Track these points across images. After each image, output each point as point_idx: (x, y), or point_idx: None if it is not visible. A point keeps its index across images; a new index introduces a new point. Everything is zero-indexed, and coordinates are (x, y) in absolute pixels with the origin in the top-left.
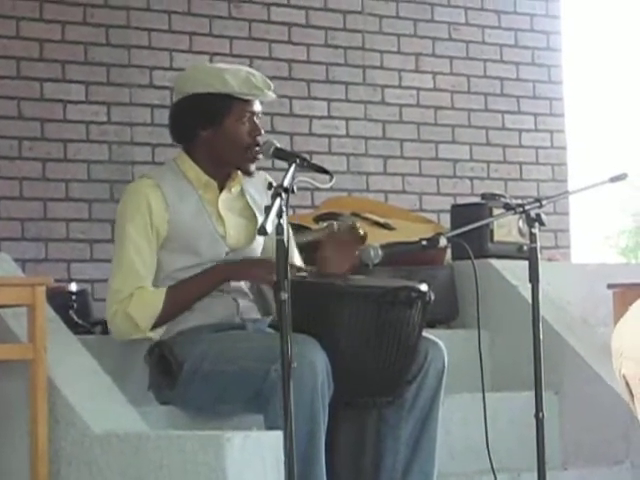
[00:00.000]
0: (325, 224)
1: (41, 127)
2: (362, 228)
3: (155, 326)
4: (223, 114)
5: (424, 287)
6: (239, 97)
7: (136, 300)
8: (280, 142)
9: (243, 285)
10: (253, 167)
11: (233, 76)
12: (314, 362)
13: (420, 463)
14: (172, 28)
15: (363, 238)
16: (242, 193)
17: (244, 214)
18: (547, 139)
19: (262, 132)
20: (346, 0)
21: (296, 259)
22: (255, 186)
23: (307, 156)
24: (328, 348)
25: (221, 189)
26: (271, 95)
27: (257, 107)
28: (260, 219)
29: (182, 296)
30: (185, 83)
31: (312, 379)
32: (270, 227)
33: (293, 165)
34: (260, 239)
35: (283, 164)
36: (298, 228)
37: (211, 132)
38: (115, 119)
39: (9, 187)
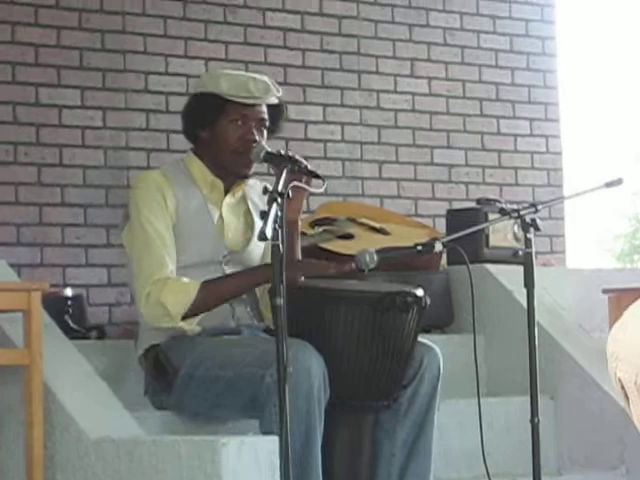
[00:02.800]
0: (321, 229)
1: (36, 132)
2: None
3: (186, 316)
4: (216, 116)
5: (420, 292)
6: (231, 100)
7: (170, 287)
8: (275, 147)
9: None
10: (247, 171)
11: (228, 79)
12: (310, 367)
13: (416, 468)
14: (167, 33)
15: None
16: (244, 198)
17: (244, 219)
18: (542, 144)
19: (254, 137)
20: (341, 5)
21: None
22: (258, 193)
23: (298, 158)
24: (324, 352)
25: (226, 191)
26: (267, 100)
27: (256, 113)
28: (258, 224)
29: (216, 289)
30: (194, 85)
31: (308, 384)
32: (270, 232)
33: (285, 170)
34: (261, 244)
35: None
36: None
37: (208, 133)
38: (110, 124)
39: (4, 192)
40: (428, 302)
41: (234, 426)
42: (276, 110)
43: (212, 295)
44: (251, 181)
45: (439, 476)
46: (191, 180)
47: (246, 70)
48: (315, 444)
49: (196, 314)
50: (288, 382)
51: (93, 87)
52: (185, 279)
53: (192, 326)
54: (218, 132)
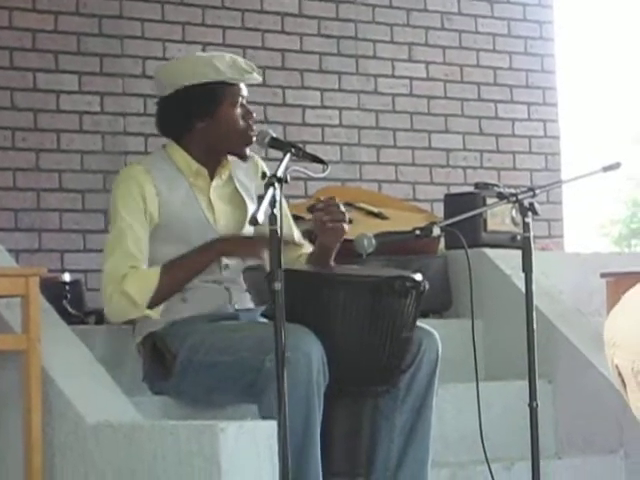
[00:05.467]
0: None
1: (34, 117)
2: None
3: (152, 304)
4: (218, 102)
5: (419, 277)
6: (230, 82)
7: (131, 277)
8: (273, 132)
9: (235, 275)
10: (248, 151)
11: (220, 62)
12: (309, 352)
13: (414, 452)
14: (165, 18)
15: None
16: (230, 179)
17: (233, 200)
18: (540, 128)
19: (254, 115)
20: None
21: (296, 236)
22: (245, 170)
23: (301, 146)
24: (322, 338)
25: (212, 177)
26: (257, 77)
27: (244, 90)
28: (249, 204)
29: (178, 271)
30: (175, 76)
31: (307, 369)
32: (262, 217)
33: (288, 155)
34: (251, 227)
35: (276, 154)
36: (291, 218)
37: (208, 122)
38: (108, 109)
39: (2, 178)
40: (427, 287)
41: (233, 411)
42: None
43: (174, 277)
44: (232, 158)
45: (437, 460)
46: (175, 170)
47: (244, 56)
48: (314, 429)
49: (163, 299)
50: (287, 367)
51: (91, 72)
52: (144, 267)
53: (158, 314)
54: (222, 118)
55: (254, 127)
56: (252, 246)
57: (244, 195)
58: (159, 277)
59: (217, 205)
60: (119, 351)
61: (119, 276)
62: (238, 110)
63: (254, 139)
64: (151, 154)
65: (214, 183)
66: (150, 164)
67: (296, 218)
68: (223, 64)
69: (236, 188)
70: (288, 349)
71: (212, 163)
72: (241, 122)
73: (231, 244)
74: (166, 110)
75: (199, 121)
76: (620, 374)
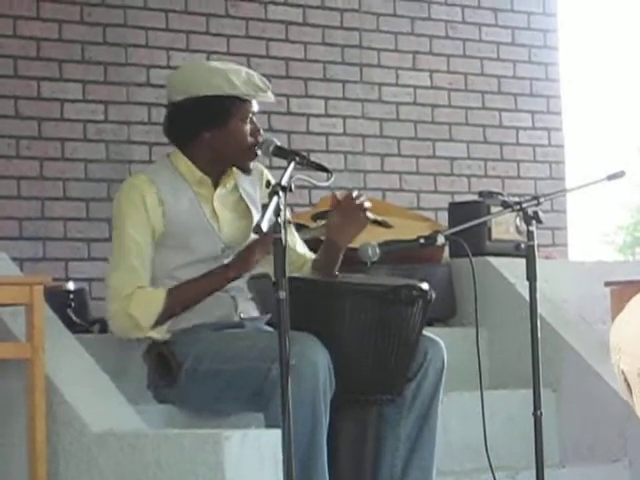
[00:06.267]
0: (323, 222)
1: (38, 126)
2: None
3: (155, 325)
4: (229, 115)
5: (425, 286)
6: (243, 98)
7: (137, 299)
8: (278, 140)
9: (241, 283)
10: (252, 165)
11: (237, 77)
12: (316, 360)
13: (419, 460)
14: (169, 27)
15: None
16: (236, 188)
17: (237, 209)
18: (544, 137)
19: (262, 132)
20: None
21: (299, 247)
22: (250, 179)
23: (305, 154)
24: (329, 346)
25: (215, 185)
26: (270, 96)
27: (256, 106)
28: (254, 213)
29: (183, 296)
30: (189, 84)
31: (313, 377)
32: (266, 225)
33: (292, 163)
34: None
35: (280, 162)
36: (296, 227)
37: (215, 133)
38: (112, 118)
39: (7, 186)
40: (433, 296)
41: (237, 419)
42: None
43: (179, 301)
44: None
45: (442, 468)
46: (180, 178)
47: (248, 64)
48: (320, 438)
49: (166, 320)
50: (292, 375)
51: (95, 81)
52: (149, 289)
53: (162, 334)
54: (230, 131)
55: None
56: (252, 254)
57: (249, 204)
58: (164, 301)
59: (221, 213)
60: (123, 360)
61: (124, 295)
62: (247, 126)
63: (259, 153)
64: (155, 163)
65: (218, 191)
66: (154, 173)
67: (301, 226)
68: (239, 79)
69: (241, 197)
70: (294, 357)
71: (216, 172)
72: (249, 138)
73: (236, 268)
74: (175, 116)
75: (206, 131)
76: (626, 379)
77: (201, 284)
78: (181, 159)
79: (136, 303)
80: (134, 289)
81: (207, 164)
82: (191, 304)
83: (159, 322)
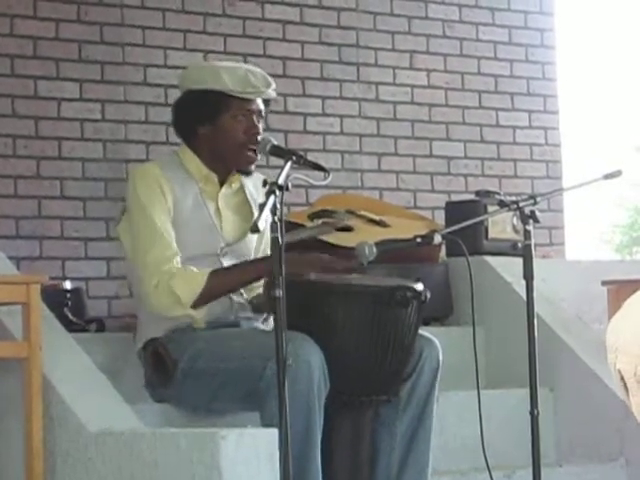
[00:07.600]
0: (320, 221)
1: (35, 125)
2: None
3: (195, 305)
4: (218, 111)
5: (420, 286)
6: (234, 95)
7: (179, 276)
8: (274, 140)
9: None
10: (251, 167)
11: (229, 74)
12: (310, 360)
13: (415, 460)
14: (166, 26)
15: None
16: (242, 189)
17: (241, 210)
18: (541, 136)
19: (260, 130)
20: None
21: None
22: (253, 182)
23: (302, 153)
24: (324, 346)
25: (222, 184)
26: (270, 94)
27: (256, 106)
28: (256, 216)
29: (224, 279)
30: (183, 80)
31: (308, 377)
32: (262, 225)
33: (289, 162)
34: (254, 235)
35: (278, 162)
36: (292, 226)
37: (208, 128)
38: (109, 117)
39: (3, 185)
40: (428, 296)
41: (233, 418)
42: (265, 101)
43: (219, 285)
44: None
45: (438, 468)
46: (187, 174)
47: (245, 63)
48: (315, 438)
49: (204, 303)
50: (288, 375)
51: (92, 80)
52: (193, 268)
53: (201, 315)
54: (221, 127)
55: (257, 142)
56: (299, 267)
57: (253, 206)
58: (206, 281)
59: (224, 212)
60: (120, 359)
61: (165, 269)
62: (241, 123)
63: (258, 155)
64: (163, 157)
65: (223, 190)
66: (162, 165)
67: (298, 226)
68: (230, 76)
69: (246, 199)
70: (289, 356)
71: (221, 170)
72: (240, 135)
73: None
74: (174, 111)
75: (200, 126)
76: (622, 378)
77: (241, 271)
78: (188, 154)
79: (179, 280)
80: (172, 264)
81: (210, 160)
82: (229, 289)
83: (197, 303)
